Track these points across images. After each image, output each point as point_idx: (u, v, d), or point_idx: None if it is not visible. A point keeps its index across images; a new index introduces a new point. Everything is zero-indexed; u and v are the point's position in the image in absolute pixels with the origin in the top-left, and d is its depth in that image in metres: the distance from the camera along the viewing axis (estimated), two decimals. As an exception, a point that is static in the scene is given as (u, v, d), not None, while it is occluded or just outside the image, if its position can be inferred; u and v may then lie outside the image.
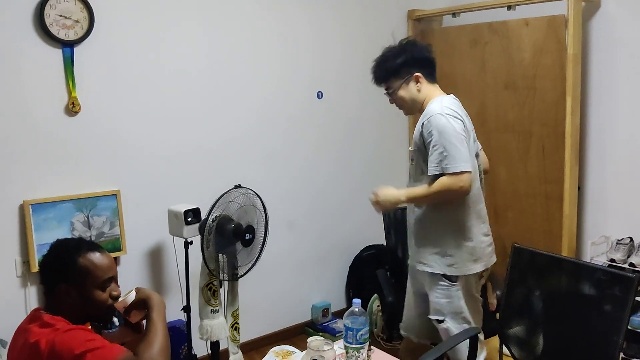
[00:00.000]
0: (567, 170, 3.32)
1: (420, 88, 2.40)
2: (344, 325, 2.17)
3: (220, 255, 2.58)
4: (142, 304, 1.77)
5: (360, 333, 2.12)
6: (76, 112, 2.76)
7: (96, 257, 1.69)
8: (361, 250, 3.84)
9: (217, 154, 3.26)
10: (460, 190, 2.22)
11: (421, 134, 2.31)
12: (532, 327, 2.25)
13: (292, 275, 3.69)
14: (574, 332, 2.12)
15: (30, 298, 2.71)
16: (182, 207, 2.81)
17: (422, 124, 2.30)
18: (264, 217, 2.62)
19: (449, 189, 2.21)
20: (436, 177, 2.26)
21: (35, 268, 2.64)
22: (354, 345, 2.13)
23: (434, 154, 2.24)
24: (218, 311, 2.66)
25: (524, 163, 3.63)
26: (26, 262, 2.66)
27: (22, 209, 2.64)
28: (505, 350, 2.36)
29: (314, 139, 3.69)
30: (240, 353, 2.87)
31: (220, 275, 2.61)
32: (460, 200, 2.32)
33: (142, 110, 2.97)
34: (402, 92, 2.40)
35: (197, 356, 3.06)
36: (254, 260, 2.64)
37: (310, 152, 3.68)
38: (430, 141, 2.25)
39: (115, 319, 2.82)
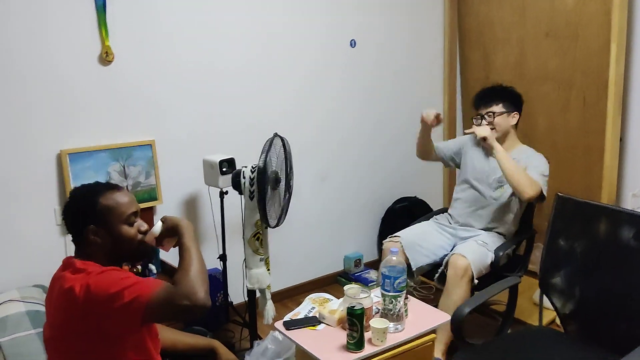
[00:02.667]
0: (609, 121, 3.21)
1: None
2: (382, 274, 2.17)
3: (262, 204, 2.59)
4: (172, 231, 1.76)
5: (397, 281, 2.12)
6: (110, 62, 2.74)
7: (116, 194, 1.70)
8: (394, 202, 3.82)
9: (251, 104, 3.23)
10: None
11: None
12: (574, 277, 2.22)
13: (325, 226, 3.70)
14: (615, 282, 2.10)
15: (69, 246, 2.75)
16: (217, 157, 2.81)
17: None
18: (291, 166, 2.60)
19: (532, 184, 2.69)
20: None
21: (74, 216, 2.67)
22: (391, 293, 2.13)
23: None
24: (264, 260, 2.69)
25: (564, 114, 3.53)
26: (65, 211, 2.70)
27: (59, 158, 2.66)
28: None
29: (349, 90, 3.63)
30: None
31: (266, 223, 2.63)
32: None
33: (177, 60, 2.94)
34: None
35: (233, 303, 3.11)
36: (286, 210, 2.63)
37: (345, 104, 3.62)
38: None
39: (152, 267, 2.86)
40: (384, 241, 2.96)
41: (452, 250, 2.86)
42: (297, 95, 3.41)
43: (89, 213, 1.66)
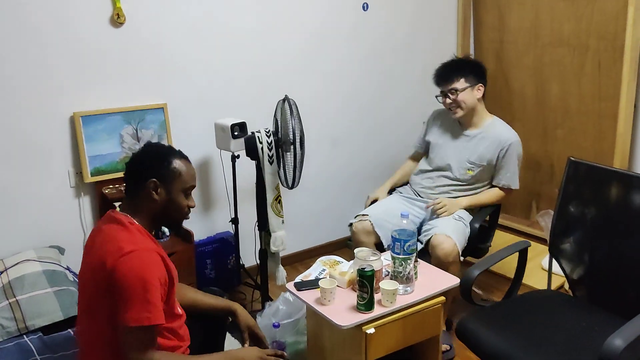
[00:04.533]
0: (624, 86, 3.17)
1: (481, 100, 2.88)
2: (392, 237, 2.18)
3: (282, 166, 2.63)
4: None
5: (407, 244, 2.14)
6: (121, 24, 2.73)
7: (187, 164, 1.81)
8: (406, 169, 3.82)
9: (262, 68, 3.21)
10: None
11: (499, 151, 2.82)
12: (584, 242, 2.23)
13: (335, 191, 3.71)
14: (626, 248, 2.10)
15: (84, 207, 2.80)
16: (228, 121, 2.81)
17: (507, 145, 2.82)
18: (301, 128, 2.60)
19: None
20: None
21: (88, 179, 2.70)
22: (401, 256, 2.15)
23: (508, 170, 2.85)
24: (284, 222, 2.72)
25: (578, 79, 3.49)
26: (79, 173, 2.73)
27: (72, 120, 2.68)
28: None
29: (360, 54, 3.59)
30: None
31: (286, 185, 2.66)
32: None
33: (189, 23, 2.92)
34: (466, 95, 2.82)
35: (245, 265, 3.15)
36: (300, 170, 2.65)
37: (355, 67, 3.59)
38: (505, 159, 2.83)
39: (165, 229, 2.90)
40: (352, 222, 2.86)
41: (425, 224, 2.81)
42: (309, 60, 3.39)
43: (159, 168, 1.74)
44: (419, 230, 2.83)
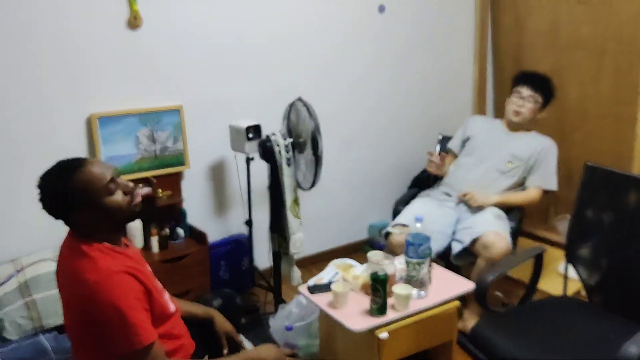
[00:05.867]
0: (642, 89, 3.14)
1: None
2: (406, 241, 2.17)
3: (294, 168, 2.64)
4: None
5: (421, 248, 2.13)
6: (138, 26, 2.75)
7: (83, 171, 1.60)
8: (421, 171, 3.80)
9: (275, 71, 3.21)
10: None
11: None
12: (601, 248, 2.20)
13: (351, 194, 3.71)
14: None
15: (100, 208, 2.82)
16: (243, 123, 2.82)
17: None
18: (318, 129, 2.59)
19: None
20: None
21: (104, 180, 2.72)
22: (415, 260, 2.14)
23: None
24: (301, 224, 2.73)
25: (596, 82, 3.45)
26: (95, 174, 2.75)
27: (89, 122, 2.70)
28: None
29: (375, 56, 3.58)
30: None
31: (301, 187, 2.68)
32: None
33: (204, 26, 2.93)
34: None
35: (258, 267, 3.15)
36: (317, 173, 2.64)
37: (369, 67, 3.58)
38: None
39: (180, 230, 2.92)
40: (389, 230, 2.85)
41: (462, 223, 2.82)
42: (323, 62, 3.38)
43: (65, 202, 1.59)
44: (454, 230, 2.86)
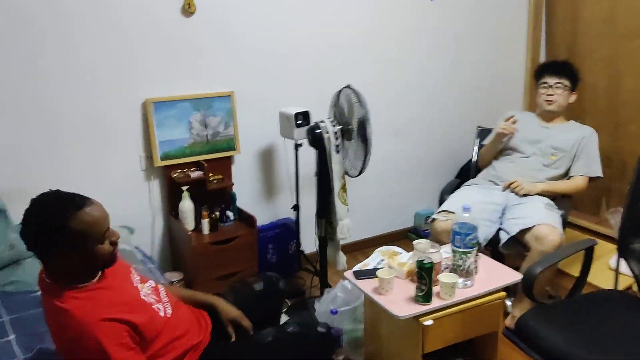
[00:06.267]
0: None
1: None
2: (452, 230, 2.17)
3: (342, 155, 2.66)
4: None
5: (468, 237, 2.12)
6: (192, 13, 2.81)
7: (88, 214, 1.54)
8: (468, 161, 3.76)
9: (327, 57, 3.24)
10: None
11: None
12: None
13: (398, 182, 3.71)
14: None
15: (153, 190, 2.93)
16: (292, 110, 2.86)
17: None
18: (367, 116, 2.59)
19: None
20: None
21: (157, 163, 2.82)
22: (461, 250, 2.14)
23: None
24: (348, 210, 2.76)
25: (654, 73, 3.33)
26: (149, 157, 2.85)
27: (144, 106, 2.79)
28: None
29: (425, 44, 3.56)
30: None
31: (349, 174, 2.70)
32: None
33: (256, 13, 2.98)
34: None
35: (305, 252, 3.20)
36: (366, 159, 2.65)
37: (420, 57, 3.56)
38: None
39: (230, 213, 2.99)
40: (434, 217, 2.83)
41: (510, 212, 2.78)
42: (375, 51, 3.38)
43: (58, 239, 1.51)
44: (502, 219, 2.83)
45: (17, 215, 2.49)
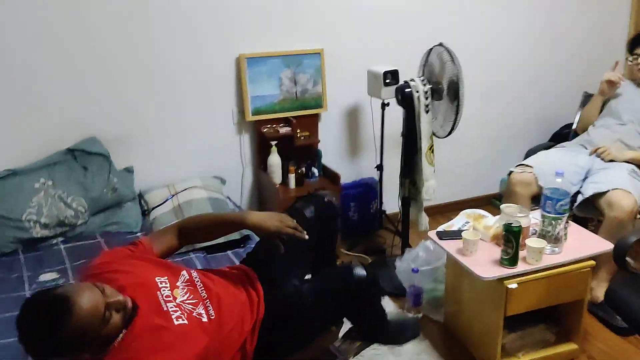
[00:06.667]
0: None
1: None
2: (543, 195, 2.14)
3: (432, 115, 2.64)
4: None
5: (560, 203, 2.08)
6: (285, -30, 2.84)
7: (75, 315, 1.31)
8: (561, 128, 3.63)
9: (418, 16, 3.18)
10: None
11: None
12: None
13: (486, 146, 3.64)
14: None
15: (243, 144, 3.03)
16: (381, 68, 2.85)
17: None
18: (459, 77, 2.54)
19: None
20: None
21: (249, 117, 2.90)
22: (552, 215, 2.10)
23: None
24: (435, 171, 2.76)
25: None
26: (241, 112, 2.94)
27: (238, 62, 2.87)
28: None
29: (523, 3, 3.42)
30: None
31: (436, 135, 2.69)
32: None
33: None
34: None
35: (386, 212, 3.23)
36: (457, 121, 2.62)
37: (517, 17, 3.43)
38: None
39: (315, 170, 3.05)
40: (512, 169, 2.78)
41: (592, 176, 2.68)
42: (469, 10, 3.29)
43: (60, 354, 1.36)
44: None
45: (119, 161, 2.69)
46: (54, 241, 2.44)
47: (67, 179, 2.48)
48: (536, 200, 2.68)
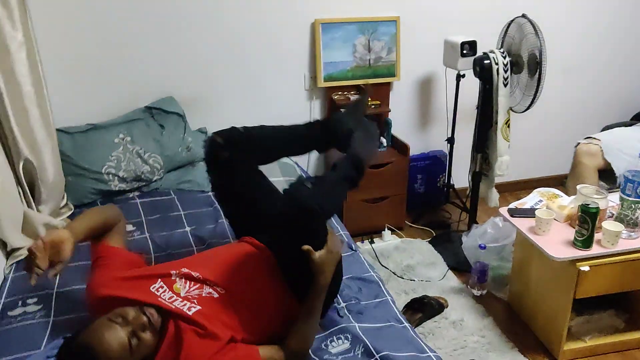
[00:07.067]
0: None
1: None
2: (624, 177, 2.06)
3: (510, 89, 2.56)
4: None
5: (642, 187, 1.99)
6: None
7: (91, 334, 1.36)
8: (644, 108, 3.46)
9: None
10: None
11: None
12: None
13: (562, 123, 3.50)
14: None
15: (313, 110, 3.03)
16: (459, 38, 2.77)
17: None
18: (541, 51, 2.43)
19: None
20: None
21: (320, 83, 2.90)
22: (631, 198, 2.03)
23: None
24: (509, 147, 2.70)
25: None
26: (313, 78, 2.94)
27: (313, 27, 2.85)
28: None
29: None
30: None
31: (513, 109, 2.63)
32: None
33: None
34: None
35: (455, 186, 3.18)
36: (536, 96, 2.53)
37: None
38: None
39: (384, 139, 3.03)
40: (579, 141, 2.73)
41: None
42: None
43: None
44: None
45: (193, 121, 2.76)
46: (131, 195, 2.53)
47: (144, 135, 2.57)
48: (603, 174, 2.65)
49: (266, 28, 2.80)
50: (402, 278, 2.63)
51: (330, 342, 1.61)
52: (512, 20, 2.58)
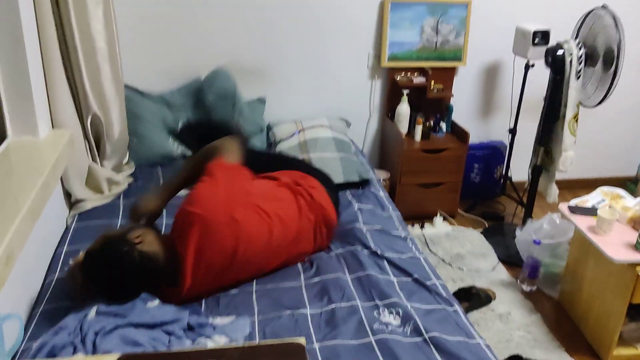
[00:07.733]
0: None
1: None
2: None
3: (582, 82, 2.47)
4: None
5: None
6: None
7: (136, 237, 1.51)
8: None
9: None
10: None
11: None
12: None
13: (630, 123, 3.36)
14: None
15: (374, 89, 3.00)
16: (532, 27, 2.68)
17: None
18: (620, 44, 2.32)
19: None
20: None
21: (384, 63, 2.86)
22: (703, 206, 1.93)
23: None
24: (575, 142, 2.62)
25: None
26: (377, 56, 2.90)
27: (382, 5, 2.81)
28: None
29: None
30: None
31: (583, 103, 2.53)
32: None
33: None
34: None
35: (512, 179, 3.10)
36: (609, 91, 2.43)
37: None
38: None
39: (443, 125, 2.97)
40: None
41: None
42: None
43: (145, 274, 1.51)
44: None
45: (253, 91, 2.77)
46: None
47: (195, 107, 2.63)
48: None
49: (335, 3, 2.78)
50: (451, 266, 2.60)
51: (382, 311, 1.61)
52: (590, 11, 2.48)
